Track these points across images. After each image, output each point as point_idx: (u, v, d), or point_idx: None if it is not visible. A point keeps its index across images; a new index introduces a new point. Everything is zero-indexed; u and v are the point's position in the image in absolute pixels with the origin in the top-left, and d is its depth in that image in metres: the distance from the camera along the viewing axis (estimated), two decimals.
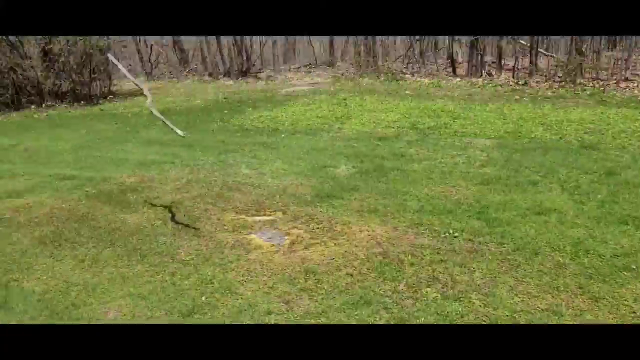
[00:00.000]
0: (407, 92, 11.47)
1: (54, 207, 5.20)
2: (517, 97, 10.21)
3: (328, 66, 19.11)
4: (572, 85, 10.90)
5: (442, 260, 3.69)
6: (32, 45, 13.44)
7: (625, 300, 3.13)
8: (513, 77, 12.21)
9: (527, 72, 12.46)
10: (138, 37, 21.46)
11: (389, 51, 20.62)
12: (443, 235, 4.08)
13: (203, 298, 3.35)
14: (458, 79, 12.88)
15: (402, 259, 3.72)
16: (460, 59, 15.83)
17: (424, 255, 3.77)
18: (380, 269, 3.60)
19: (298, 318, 3.09)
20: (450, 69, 14.44)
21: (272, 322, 3.06)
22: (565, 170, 5.47)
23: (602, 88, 10.52)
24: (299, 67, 19.40)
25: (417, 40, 17.12)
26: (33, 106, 13.44)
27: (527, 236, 3.99)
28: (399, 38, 21.12)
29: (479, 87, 11.66)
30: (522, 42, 13.50)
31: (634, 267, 3.49)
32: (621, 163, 5.64)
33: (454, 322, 2.99)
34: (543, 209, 4.48)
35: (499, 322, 2.95)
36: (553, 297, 3.20)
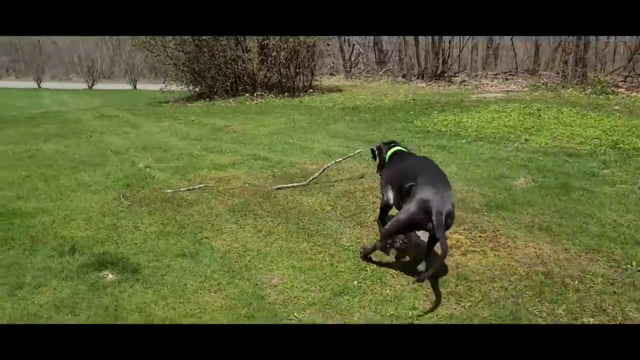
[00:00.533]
0: (616, 107, 10.26)
1: (246, 181, 5.95)
2: None
3: (530, 74, 17.94)
4: None
5: (614, 293, 3.34)
6: (252, 40, 15.24)
7: None
8: None
9: None
10: (343, 37, 22.69)
11: (605, 62, 18.54)
12: (623, 267, 3.67)
13: (355, 282, 3.56)
14: None
15: (567, 283, 3.47)
16: None
17: (595, 284, 3.45)
18: (540, 289, 3.40)
19: (441, 319, 3.12)
20: None
21: (415, 318, 3.14)
22: None
23: None
24: (496, 74, 18.58)
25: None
26: (247, 94, 15.25)
27: None
28: (619, 47, 18.83)
29: None
30: None
31: None
32: None
33: None
34: None
35: None
36: None
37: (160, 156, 7.57)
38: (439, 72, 18.41)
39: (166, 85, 16.18)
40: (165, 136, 9.55)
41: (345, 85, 18.51)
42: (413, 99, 12.89)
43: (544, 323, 3.04)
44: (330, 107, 12.28)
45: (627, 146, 7.01)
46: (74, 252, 4.10)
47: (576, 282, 3.48)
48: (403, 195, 3.47)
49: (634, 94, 11.79)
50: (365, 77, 21.66)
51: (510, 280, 3.53)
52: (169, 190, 5.69)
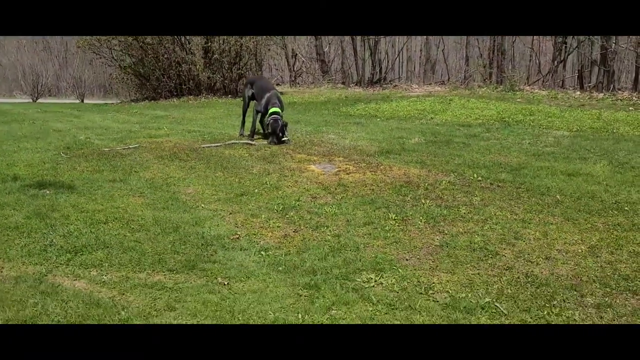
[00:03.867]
0: (518, 99, 11.62)
1: (177, 142, 6.70)
2: (631, 108, 9.89)
3: (461, 84, 19.45)
4: None
5: (453, 189, 4.32)
6: (196, 43, 15.99)
7: (597, 226, 3.52)
8: (635, 91, 11.66)
9: None
10: (286, 48, 23.72)
11: (522, 66, 20.35)
12: (468, 179, 4.67)
13: (255, 190, 4.40)
14: (579, 93, 12.60)
15: (419, 185, 4.43)
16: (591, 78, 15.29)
17: (440, 185, 4.43)
18: (398, 189, 4.35)
19: (318, 206, 3.99)
20: (577, 84, 14.10)
21: (298, 205, 4.00)
22: (625, 153, 5.61)
23: None
24: (429, 83, 20.00)
25: (558, 61, 16.88)
26: (191, 96, 15.93)
27: (544, 185, 4.43)
28: (542, 56, 20.71)
29: (598, 100, 11.38)
30: None
31: (627, 208, 3.80)
32: None
33: (435, 220, 3.66)
34: (577, 172, 4.82)
35: (477, 233, 3.53)
36: (531, 215, 3.69)
37: (101, 132, 8.19)
38: (375, 80, 19.68)
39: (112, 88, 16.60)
40: (107, 122, 10.13)
41: (289, 91, 19.48)
42: (345, 97, 13.97)
43: (393, 204, 3.96)
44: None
45: (510, 120, 8.21)
46: (16, 179, 4.76)
47: (427, 185, 4.45)
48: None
49: (536, 90, 13.30)
50: (308, 85, 22.69)
51: (378, 186, 4.46)
52: (106, 149, 6.36)
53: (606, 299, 2.51)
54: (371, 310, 2.46)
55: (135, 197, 4.27)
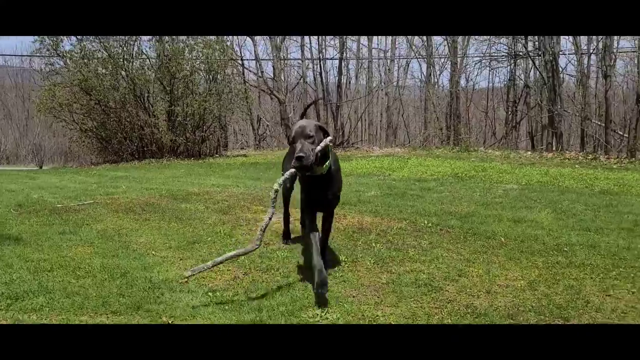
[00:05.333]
0: (473, 159, 12.10)
1: (133, 199, 6.67)
2: (577, 165, 10.43)
3: (420, 145, 20.16)
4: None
5: (403, 234, 4.44)
6: (160, 107, 16.21)
7: (537, 264, 3.66)
8: (582, 151, 12.33)
9: (601, 148, 12.52)
10: (251, 113, 24.18)
11: (479, 130, 21.27)
12: (418, 225, 4.80)
13: (209, 238, 4.41)
14: (530, 153, 13.23)
15: (372, 231, 4.53)
16: (543, 140, 16.17)
17: (392, 231, 4.53)
18: (351, 234, 4.44)
19: (270, 251, 4.01)
20: (530, 146, 14.85)
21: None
22: (568, 203, 5.89)
23: None
24: (391, 146, 20.65)
25: (511, 125, 17.84)
26: (153, 159, 15.93)
27: (490, 230, 4.59)
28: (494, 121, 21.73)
29: (547, 159, 11.97)
30: (597, 122, 13.65)
31: (566, 249, 3.97)
32: (624, 201, 5.93)
33: (384, 260, 3.73)
34: (522, 219, 5.02)
35: (423, 271, 3.60)
36: (476, 255, 3.82)
37: (55, 191, 8.08)
38: (337, 142, 20.20)
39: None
40: (64, 183, 10.00)
41: (253, 153, 19.76)
42: None
43: (344, 248, 4.03)
44: (231, 164, 13.30)
45: (464, 175, 8.53)
46: None
47: (379, 230, 4.55)
48: None
49: (490, 150, 13.91)
50: (272, 148, 23.04)
51: (331, 232, 4.52)
52: (59, 205, 6.27)
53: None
54: None
55: (84, 247, 4.21)
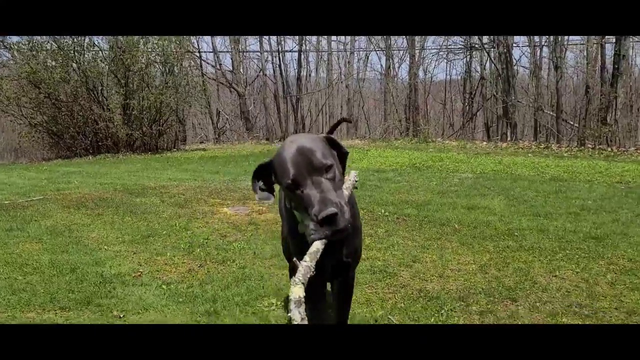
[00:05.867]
0: (431, 150, 12.31)
1: (86, 194, 6.48)
2: (529, 154, 10.76)
3: (380, 137, 20.33)
4: (590, 148, 11.30)
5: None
6: (114, 101, 15.76)
7: (489, 248, 3.76)
8: (535, 140, 12.73)
9: (554, 137, 12.96)
10: (210, 106, 23.88)
11: (437, 122, 21.67)
12: (376, 214, 4.85)
13: (163, 232, 4.33)
14: (485, 143, 13.56)
15: None
16: (498, 130, 16.61)
17: None
18: None
19: (226, 243, 3.97)
20: (485, 136, 15.21)
21: (206, 243, 3.96)
22: (520, 190, 6.07)
23: (612, 150, 10.85)
24: (352, 138, 20.74)
25: (468, 116, 18.21)
26: (109, 154, 15.50)
27: (445, 217, 4.68)
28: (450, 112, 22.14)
29: (502, 148, 12.29)
30: (549, 113, 14.11)
31: (517, 234, 4.09)
32: (572, 187, 6.16)
33: None
34: (476, 206, 5.14)
35: (379, 259, 3.64)
36: (430, 242, 3.89)
37: (2, 188, 7.76)
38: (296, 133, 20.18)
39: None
40: (13, 179, 9.62)
41: (212, 147, 19.49)
42: (268, 150, 14.18)
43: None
44: (189, 158, 13.09)
45: (421, 165, 8.67)
46: None
47: None
48: None
49: (448, 141, 14.18)
50: (232, 142, 22.79)
51: None
52: (6, 202, 6.03)
53: (489, 307, 2.67)
54: None
55: (32, 243, 4.06)
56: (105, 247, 3.94)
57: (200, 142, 24.04)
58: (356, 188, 1.81)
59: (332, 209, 1.43)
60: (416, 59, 19.93)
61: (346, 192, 1.59)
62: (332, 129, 2.47)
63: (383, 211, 4.94)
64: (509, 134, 15.89)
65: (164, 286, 3.10)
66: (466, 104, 20.01)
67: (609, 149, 11.25)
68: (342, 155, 1.68)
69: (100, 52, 15.98)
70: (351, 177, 1.77)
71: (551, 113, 15.69)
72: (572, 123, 15.95)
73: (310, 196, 1.47)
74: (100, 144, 15.57)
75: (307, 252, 1.45)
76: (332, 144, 1.67)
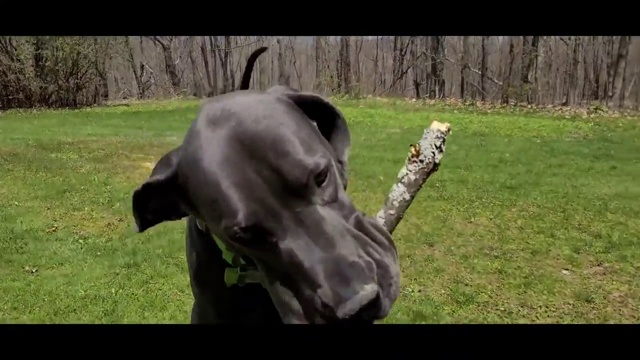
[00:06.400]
0: (362, 106, 12.42)
1: None
2: (456, 111, 11.12)
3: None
4: (512, 106, 11.84)
5: None
6: (25, 51, 14.57)
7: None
8: (462, 98, 13.16)
9: (479, 95, 13.45)
10: (132, 60, 22.72)
11: (369, 79, 21.84)
12: None
13: (81, 187, 4.12)
14: (415, 100, 13.86)
15: None
16: (428, 89, 17.00)
17: None
18: None
19: None
20: (415, 94, 15.54)
21: (126, 197, 3.82)
22: None
23: (532, 107, 11.44)
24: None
25: (398, 73, 18.44)
26: (21, 108, 14.42)
27: (371, 170, 4.79)
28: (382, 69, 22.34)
29: (430, 105, 12.61)
30: (476, 71, 14.57)
31: (438, 185, 4.25)
32: (493, 142, 6.47)
33: None
34: (401, 160, 5.26)
35: None
36: (355, 194, 3.96)
37: None
38: (228, 91, 19.68)
39: None
40: None
41: (136, 103, 18.62)
42: (195, 106, 13.75)
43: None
44: (111, 113, 12.46)
45: (351, 121, 8.75)
46: None
47: None
48: None
49: (378, 98, 14.36)
50: (158, 97, 21.90)
51: None
52: None
53: (407, 251, 2.77)
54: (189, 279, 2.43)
55: None
56: (16, 202, 3.71)
57: (124, 98, 22.93)
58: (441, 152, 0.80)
59: (365, 294, 0.57)
60: None
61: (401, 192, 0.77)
62: (249, 68, 1.45)
63: None
64: (437, 91, 16.31)
65: (80, 240, 2.97)
66: (397, 61, 20.26)
67: (529, 106, 11.84)
68: (332, 121, 0.79)
69: None
70: (434, 129, 0.81)
71: (477, 71, 16.21)
72: (496, 81, 16.59)
73: (298, 258, 0.60)
74: (10, 97, 14.45)
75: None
76: (311, 106, 0.76)
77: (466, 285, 2.40)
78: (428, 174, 0.77)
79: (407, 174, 0.77)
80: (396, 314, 2.09)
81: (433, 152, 0.78)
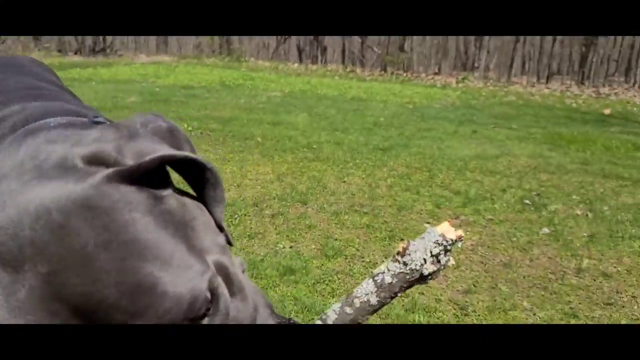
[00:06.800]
0: (243, 69, 12.15)
1: None
2: (336, 77, 11.31)
3: (192, 54, 19.35)
4: (389, 74, 12.33)
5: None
6: None
7: (287, 160, 3.89)
8: (343, 64, 13.43)
9: (359, 62, 13.80)
10: None
11: (252, 42, 21.39)
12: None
13: None
14: (297, 65, 13.87)
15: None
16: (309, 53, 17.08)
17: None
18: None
19: None
20: (298, 59, 15.53)
21: None
22: (323, 108, 6.37)
23: (407, 76, 12.03)
24: (160, 54, 19.38)
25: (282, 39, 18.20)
26: None
27: (249, 132, 4.71)
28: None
29: (312, 70, 12.69)
30: (358, 39, 14.90)
31: (315, 147, 4.31)
32: (369, 106, 6.70)
33: None
34: (280, 122, 5.25)
35: None
36: (232, 155, 3.89)
37: None
38: (97, 49, 18.20)
39: None
40: None
41: None
42: (59, 63, 12.56)
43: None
44: None
45: (231, 84, 8.54)
46: None
47: None
48: None
49: (260, 61, 14.17)
50: (14, 52, 19.65)
51: None
52: None
53: (281, 210, 2.79)
54: None
55: None
56: None
57: None
58: (438, 263, 0.63)
59: None
60: None
61: None
62: None
63: (186, 126, 4.76)
64: (319, 57, 16.45)
65: None
66: None
67: (405, 75, 12.40)
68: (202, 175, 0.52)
69: None
70: (438, 231, 0.60)
71: (358, 40, 16.58)
72: (376, 50, 17.11)
73: None
74: None
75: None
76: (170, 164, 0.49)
77: (336, 240, 2.46)
78: (410, 283, 0.60)
79: (383, 272, 0.60)
80: (266, 270, 2.09)
81: (424, 260, 0.60)
